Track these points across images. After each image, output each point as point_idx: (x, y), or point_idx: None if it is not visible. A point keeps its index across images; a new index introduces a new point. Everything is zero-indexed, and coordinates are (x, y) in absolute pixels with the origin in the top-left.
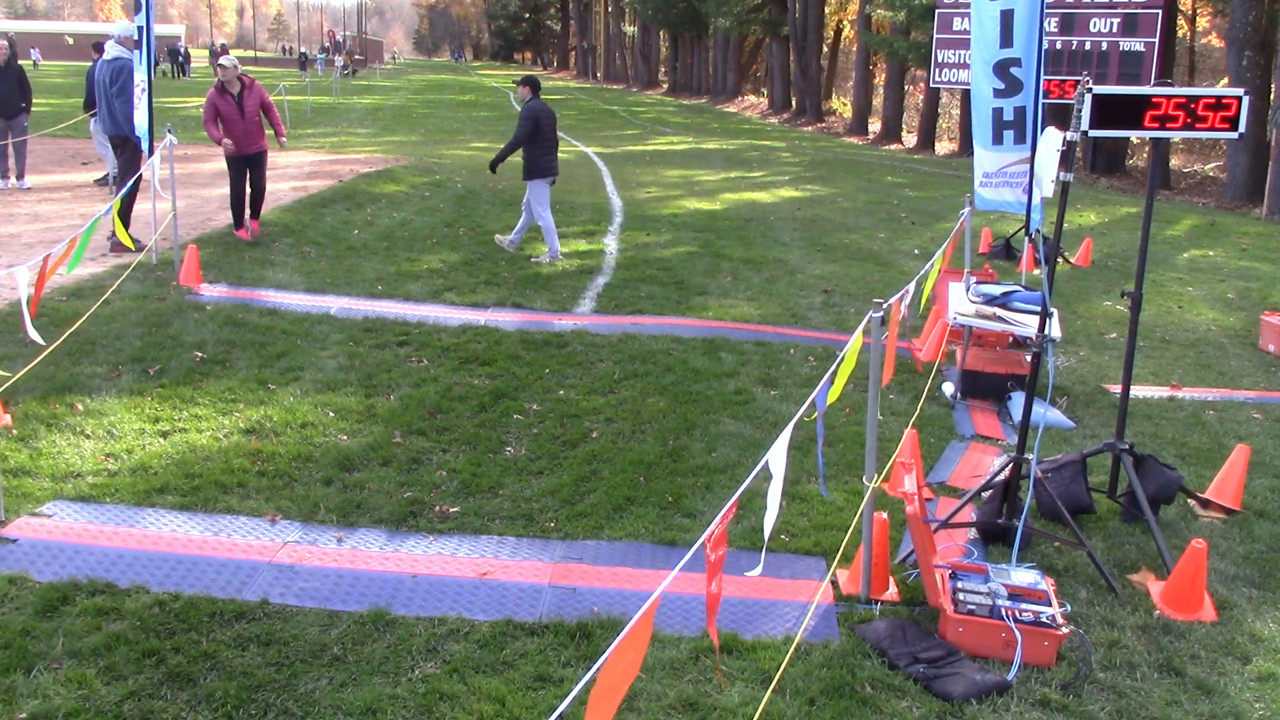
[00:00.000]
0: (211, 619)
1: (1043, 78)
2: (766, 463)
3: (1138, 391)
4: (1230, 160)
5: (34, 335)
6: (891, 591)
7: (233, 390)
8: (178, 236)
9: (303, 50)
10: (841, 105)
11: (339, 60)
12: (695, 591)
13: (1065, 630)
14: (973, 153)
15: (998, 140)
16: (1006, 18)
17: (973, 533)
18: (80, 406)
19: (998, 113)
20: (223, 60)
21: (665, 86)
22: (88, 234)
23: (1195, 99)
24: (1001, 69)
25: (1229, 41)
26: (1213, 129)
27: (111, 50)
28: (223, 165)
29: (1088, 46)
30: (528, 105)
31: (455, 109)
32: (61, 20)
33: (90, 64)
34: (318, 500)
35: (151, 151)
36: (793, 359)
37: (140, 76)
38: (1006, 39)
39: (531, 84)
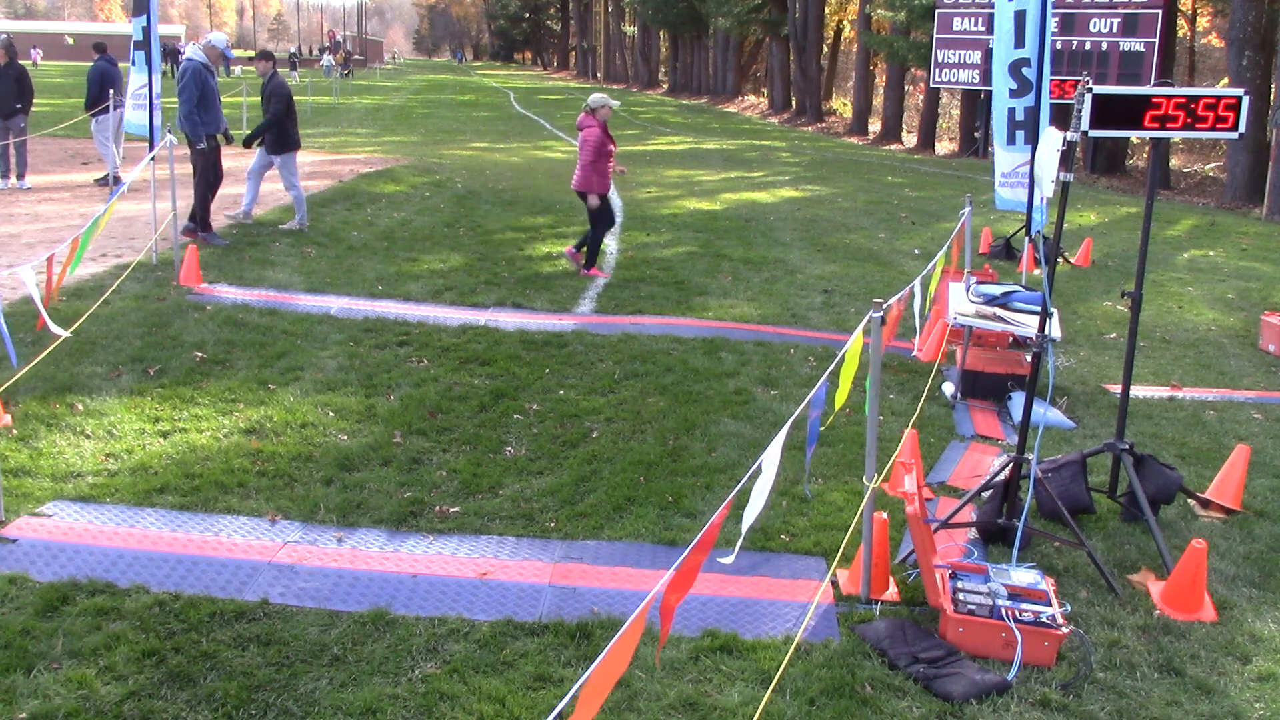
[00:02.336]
0: (211, 619)
1: (1049, 78)
2: (762, 463)
3: (1138, 391)
4: (1230, 160)
5: (52, 327)
6: (891, 591)
7: (233, 390)
8: (178, 236)
9: (292, 50)
10: (841, 105)
11: (326, 59)
12: (695, 591)
13: (1065, 630)
14: (972, 153)
15: (1011, 140)
16: (1020, 18)
17: (973, 533)
18: (80, 406)
19: (1011, 113)
20: (612, 102)
21: (665, 86)
22: (87, 235)
23: (1195, 99)
24: (1015, 69)
25: (1229, 41)
26: (1213, 129)
27: (188, 52)
28: (224, 165)
29: (1088, 46)
30: (276, 80)
31: (455, 109)
32: (61, 20)
33: (90, 64)
34: (318, 500)
35: (151, 149)
36: (793, 359)
37: (141, 79)
38: (1019, 39)
39: (271, 58)
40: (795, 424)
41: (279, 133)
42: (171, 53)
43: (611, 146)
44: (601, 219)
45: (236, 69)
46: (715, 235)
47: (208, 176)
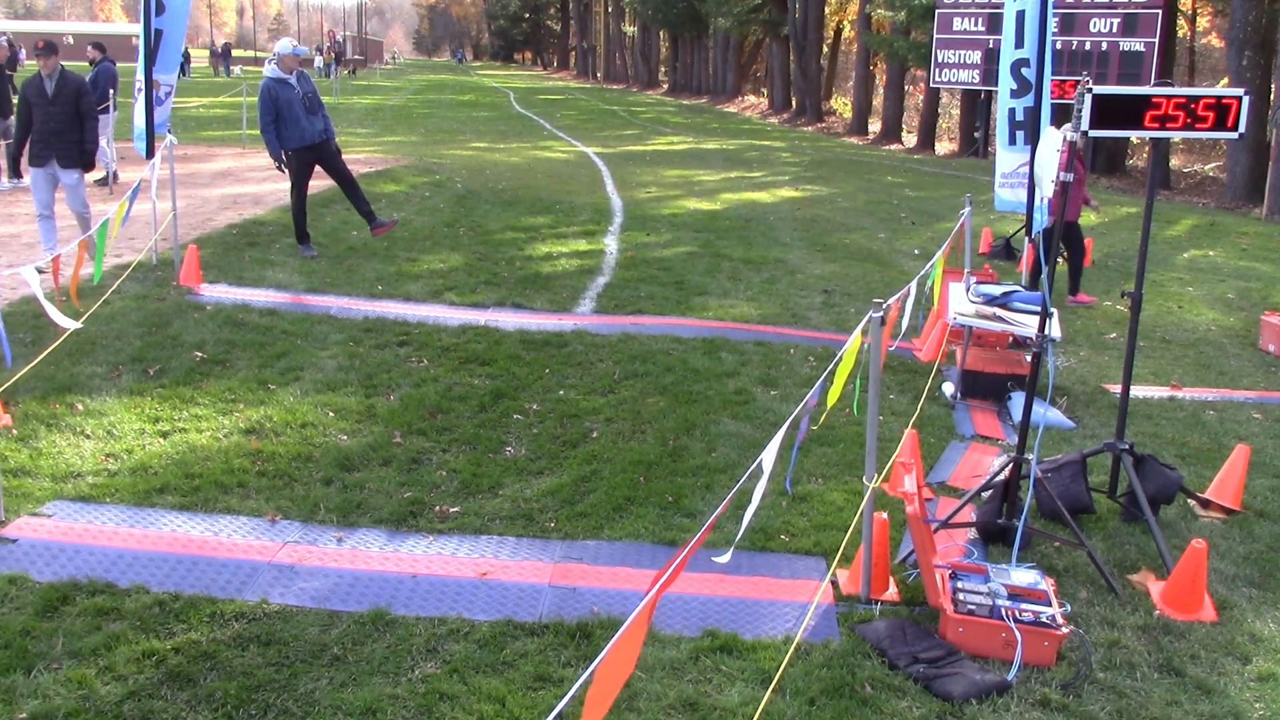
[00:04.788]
0: (211, 619)
1: (1049, 78)
2: (760, 463)
3: (1138, 391)
4: (1230, 160)
5: (59, 320)
6: (891, 591)
7: (233, 390)
8: (178, 236)
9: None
10: (841, 105)
11: (318, 60)
12: (695, 591)
13: (1065, 630)
14: (972, 153)
15: (1012, 141)
16: (1020, 18)
17: (973, 533)
18: (80, 406)
19: (1011, 113)
20: (1072, 134)
21: (665, 86)
22: (101, 239)
23: (1195, 99)
24: (1015, 69)
25: (1229, 41)
26: (1213, 129)
27: (265, 69)
28: (224, 165)
29: (1088, 46)
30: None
31: (455, 109)
32: (62, 20)
33: (89, 64)
34: (318, 500)
35: (151, 153)
36: (793, 359)
37: (139, 76)
38: (1019, 39)
39: (55, 51)
40: (794, 424)
41: (88, 144)
42: None
43: (1082, 171)
44: (1076, 245)
45: (237, 69)
46: (715, 235)
47: (299, 189)
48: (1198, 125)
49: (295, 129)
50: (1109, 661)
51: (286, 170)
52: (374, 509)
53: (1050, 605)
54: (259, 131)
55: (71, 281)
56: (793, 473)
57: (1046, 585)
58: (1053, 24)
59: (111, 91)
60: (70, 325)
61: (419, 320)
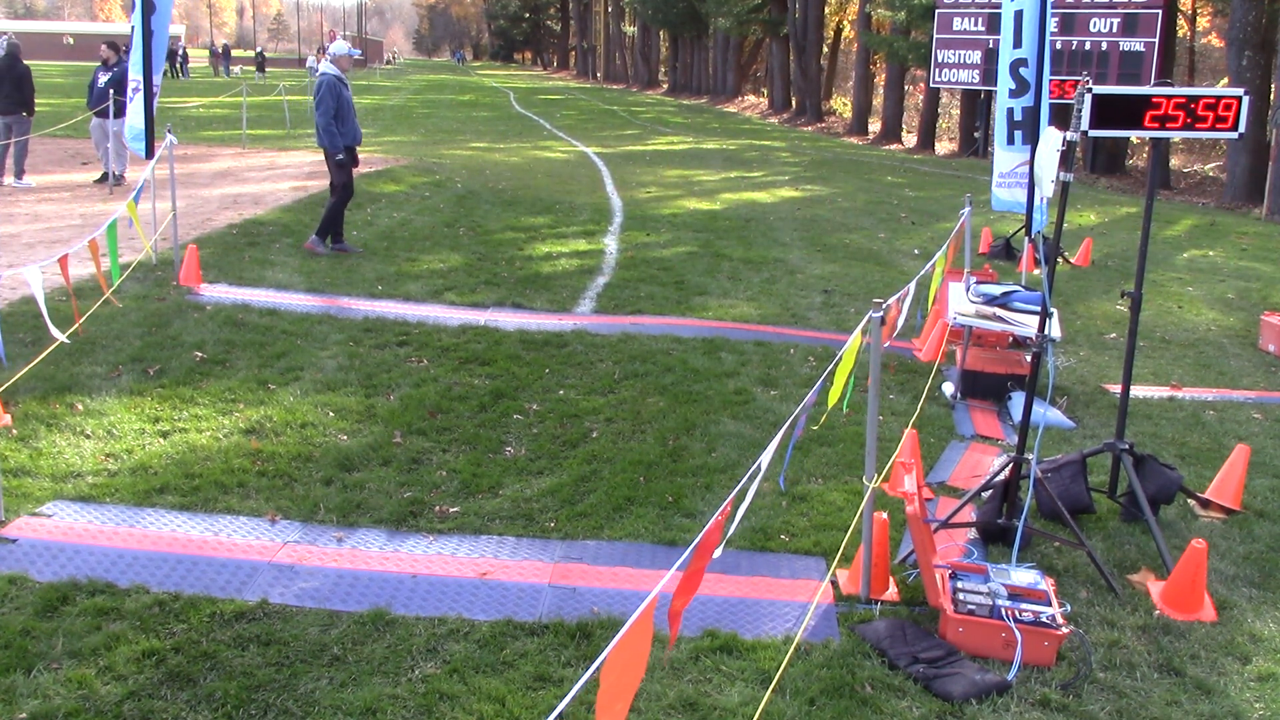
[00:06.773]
0: (211, 619)
1: (1048, 78)
2: (760, 465)
3: (1138, 391)
4: (1230, 160)
5: (53, 330)
6: (891, 591)
7: (233, 390)
8: (178, 236)
9: (259, 50)
10: (841, 105)
11: (311, 61)
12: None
13: (1065, 630)
14: (972, 153)
15: (1010, 140)
16: (1018, 18)
17: (973, 533)
18: (80, 406)
19: (1010, 113)
20: None
21: (665, 86)
22: (112, 239)
23: (1195, 99)
24: (1014, 69)
25: (1229, 41)
26: (1213, 129)
27: (321, 67)
28: (224, 165)
29: (1088, 46)
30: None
31: (455, 109)
32: (62, 20)
33: (102, 64)
34: (318, 500)
35: (151, 153)
36: (793, 359)
37: (135, 75)
38: (1018, 39)
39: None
40: (793, 424)
41: None
42: (170, 53)
43: None
44: None
45: (236, 69)
46: (715, 235)
47: (349, 188)
48: (1198, 125)
49: (349, 127)
50: (1109, 661)
51: (341, 166)
52: (374, 509)
53: (1050, 605)
54: (316, 128)
55: (99, 280)
56: (791, 472)
57: (1046, 585)
58: (1052, 24)
59: (112, 92)
60: (60, 337)
61: (419, 320)
